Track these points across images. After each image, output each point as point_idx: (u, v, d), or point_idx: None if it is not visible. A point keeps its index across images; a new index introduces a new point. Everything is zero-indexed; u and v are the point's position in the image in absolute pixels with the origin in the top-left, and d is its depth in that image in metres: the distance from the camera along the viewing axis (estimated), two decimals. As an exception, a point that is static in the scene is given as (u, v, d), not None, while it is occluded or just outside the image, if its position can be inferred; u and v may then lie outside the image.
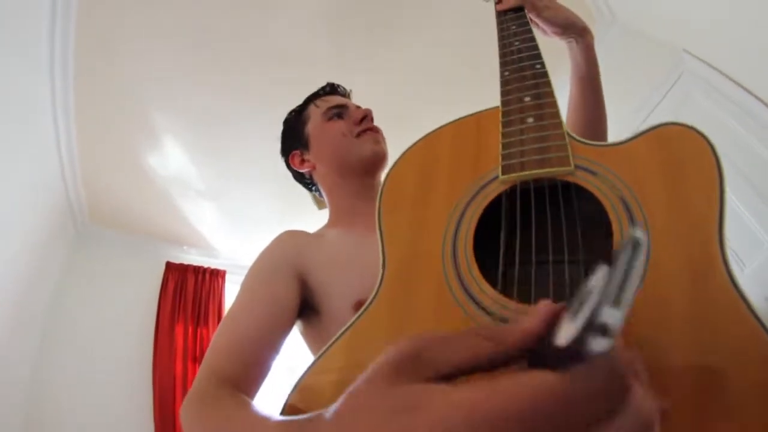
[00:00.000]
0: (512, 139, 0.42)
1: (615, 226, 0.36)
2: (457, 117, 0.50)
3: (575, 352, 0.16)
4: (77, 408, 2.30)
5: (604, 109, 0.71)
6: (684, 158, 0.38)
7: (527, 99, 0.45)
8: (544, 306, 0.21)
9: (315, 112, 0.79)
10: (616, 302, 0.15)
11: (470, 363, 0.19)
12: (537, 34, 0.66)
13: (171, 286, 2.87)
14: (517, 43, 0.55)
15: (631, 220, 0.36)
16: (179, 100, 2.20)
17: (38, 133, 2.06)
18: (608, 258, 0.18)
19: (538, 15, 0.66)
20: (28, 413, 2.17)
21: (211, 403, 0.44)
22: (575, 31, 0.69)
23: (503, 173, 0.41)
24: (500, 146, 0.43)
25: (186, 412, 0.45)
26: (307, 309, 0.60)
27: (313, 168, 0.78)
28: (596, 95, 0.70)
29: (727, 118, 1.97)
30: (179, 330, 2.75)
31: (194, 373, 2.66)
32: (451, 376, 0.19)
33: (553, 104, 0.44)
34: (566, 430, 0.15)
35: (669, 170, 0.38)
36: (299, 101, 0.82)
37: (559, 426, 0.15)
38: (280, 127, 0.88)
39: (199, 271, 2.96)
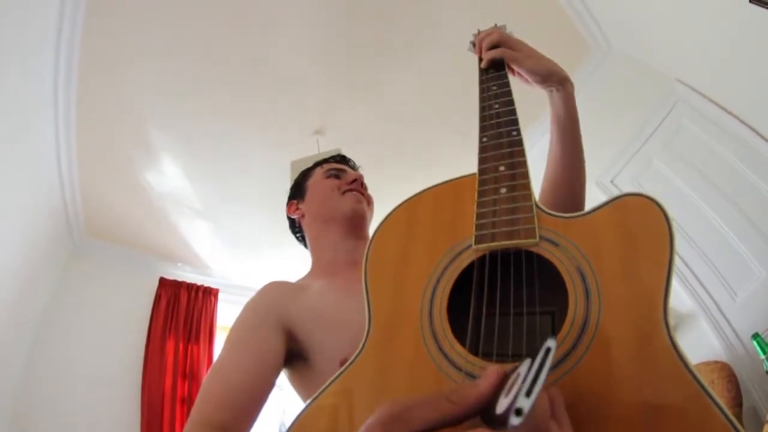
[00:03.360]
0: (486, 209, 0.46)
1: (571, 295, 0.40)
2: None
3: (504, 420, 0.23)
4: (65, 419, 2.30)
5: (583, 160, 0.71)
6: (640, 230, 0.42)
7: (502, 168, 0.49)
8: (492, 373, 0.28)
9: (318, 171, 0.90)
10: (528, 394, 0.23)
11: (438, 421, 0.24)
12: (517, 82, 0.69)
13: (164, 301, 2.89)
14: (496, 106, 0.60)
15: (586, 289, 0.40)
16: (179, 119, 2.26)
17: (39, 145, 2.10)
18: (534, 350, 0.26)
19: (520, 65, 0.67)
20: (16, 422, 2.17)
21: None
22: (556, 80, 0.68)
23: (476, 243, 0.45)
24: (475, 215, 0.47)
25: None
26: (294, 357, 0.64)
27: (302, 216, 0.87)
28: (575, 145, 0.70)
29: (719, 146, 2.00)
30: (170, 346, 2.77)
31: (183, 390, 2.67)
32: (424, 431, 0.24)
33: (525, 174, 0.48)
34: None
35: (625, 242, 0.41)
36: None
37: None
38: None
39: (192, 288, 2.98)
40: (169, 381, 2.66)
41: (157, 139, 2.33)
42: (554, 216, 0.45)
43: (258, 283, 0.77)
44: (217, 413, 0.53)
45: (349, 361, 0.44)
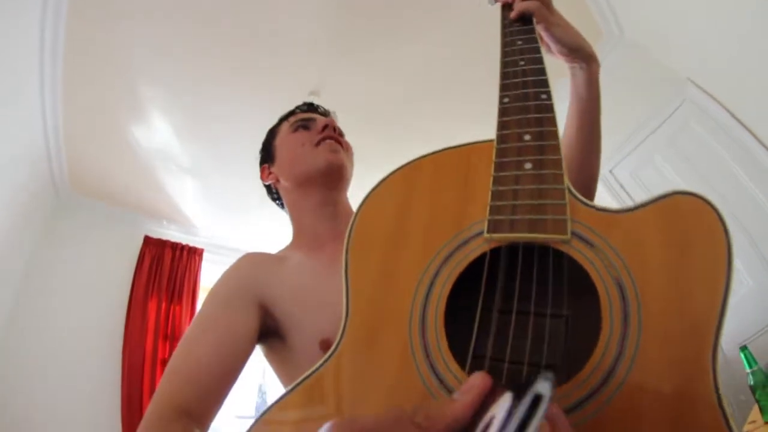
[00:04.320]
0: (504, 187, 0.35)
1: (605, 315, 0.30)
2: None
3: None
4: (46, 376, 2.20)
5: (600, 146, 0.63)
6: (693, 240, 0.32)
7: (527, 137, 0.37)
8: (473, 389, 0.22)
9: (284, 126, 0.75)
10: None
11: None
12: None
13: (147, 260, 2.76)
14: (522, 62, 0.47)
15: (624, 310, 0.30)
16: (169, 74, 2.08)
17: (24, 99, 1.93)
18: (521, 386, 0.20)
19: (547, 29, 0.58)
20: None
21: None
22: (582, 55, 0.60)
23: (489, 231, 0.34)
24: (490, 194, 0.35)
25: None
26: (270, 335, 0.58)
27: (277, 181, 0.74)
28: (594, 129, 0.62)
29: (723, 151, 1.93)
30: (152, 306, 2.66)
31: (164, 351, 2.58)
32: None
33: (556, 149, 0.36)
34: None
35: (675, 252, 0.31)
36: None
37: None
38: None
39: (176, 248, 2.85)
40: (150, 341, 2.56)
41: (147, 95, 2.15)
42: (590, 207, 0.34)
43: (245, 244, 0.69)
44: (182, 394, 0.48)
45: (323, 360, 0.35)
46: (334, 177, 0.67)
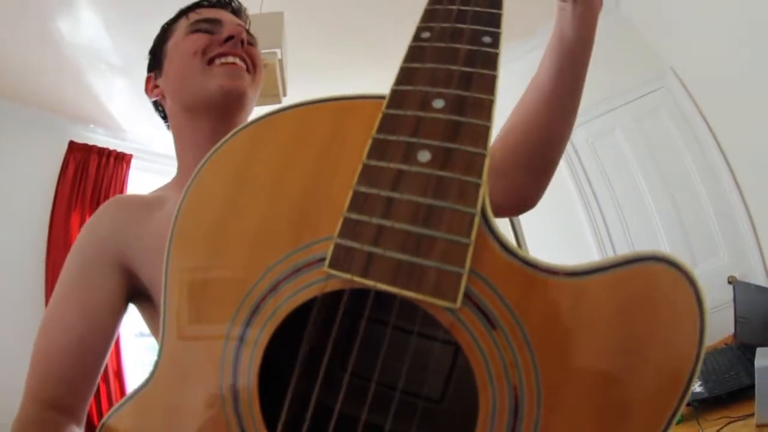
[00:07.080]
0: (374, 190, 0.19)
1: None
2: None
3: None
4: None
5: (578, 103, 0.47)
6: (654, 331, 0.18)
7: (438, 103, 0.21)
8: None
9: (182, 25, 0.55)
10: None
11: None
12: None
13: (72, 168, 2.46)
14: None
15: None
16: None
17: None
18: None
19: None
20: None
21: None
22: None
23: (333, 265, 0.19)
24: (349, 198, 0.20)
25: None
26: (140, 295, 0.49)
27: (163, 98, 0.56)
28: (576, 80, 0.46)
29: (683, 146, 1.94)
30: (76, 219, 2.43)
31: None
32: None
33: (480, 134, 0.20)
34: None
35: (624, 351, 0.18)
36: None
37: None
38: None
39: (103, 153, 2.54)
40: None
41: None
42: (512, 255, 0.19)
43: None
44: (48, 387, 0.44)
45: (145, 381, 0.26)
46: (230, 106, 0.51)
